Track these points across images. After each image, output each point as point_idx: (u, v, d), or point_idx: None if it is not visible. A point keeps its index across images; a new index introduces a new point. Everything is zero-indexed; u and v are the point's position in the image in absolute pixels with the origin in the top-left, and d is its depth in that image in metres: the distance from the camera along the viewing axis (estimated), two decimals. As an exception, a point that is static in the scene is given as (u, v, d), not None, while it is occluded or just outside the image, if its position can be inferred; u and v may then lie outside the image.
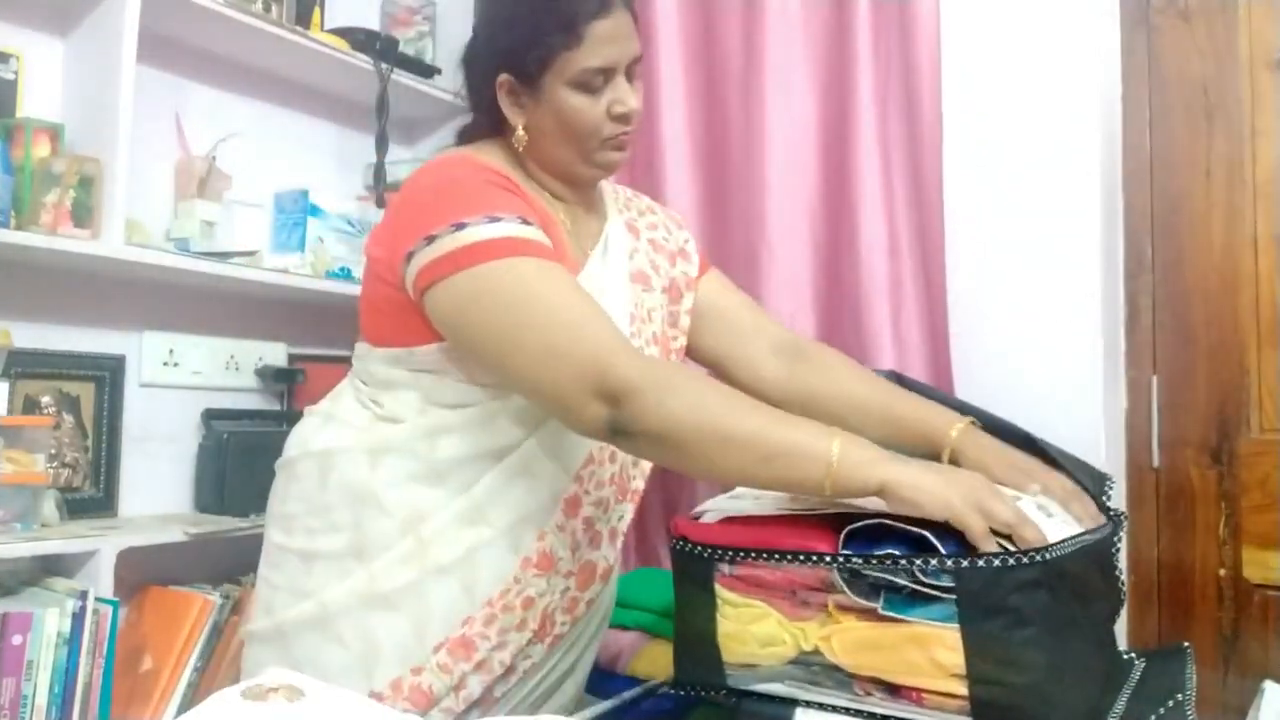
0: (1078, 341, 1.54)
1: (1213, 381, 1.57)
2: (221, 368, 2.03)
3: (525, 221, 1.07)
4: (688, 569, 1.07)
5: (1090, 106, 1.56)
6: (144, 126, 1.78)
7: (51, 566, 1.63)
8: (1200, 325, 1.59)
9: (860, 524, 0.95)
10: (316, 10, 2.03)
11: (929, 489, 0.89)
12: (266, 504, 1.25)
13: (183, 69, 1.97)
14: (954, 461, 1.15)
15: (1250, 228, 1.56)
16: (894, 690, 0.94)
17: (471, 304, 1.04)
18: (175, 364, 1.96)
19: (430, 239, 1.05)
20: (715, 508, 1.11)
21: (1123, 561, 1.50)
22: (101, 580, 1.57)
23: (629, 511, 1.24)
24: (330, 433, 1.18)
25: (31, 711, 1.46)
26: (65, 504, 1.69)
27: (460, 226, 1.04)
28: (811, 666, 0.98)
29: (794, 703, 0.99)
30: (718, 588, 1.03)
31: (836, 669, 0.96)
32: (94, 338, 1.86)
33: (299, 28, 1.96)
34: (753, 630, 1.01)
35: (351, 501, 1.13)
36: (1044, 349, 1.55)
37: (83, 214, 1.62)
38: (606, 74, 1.12)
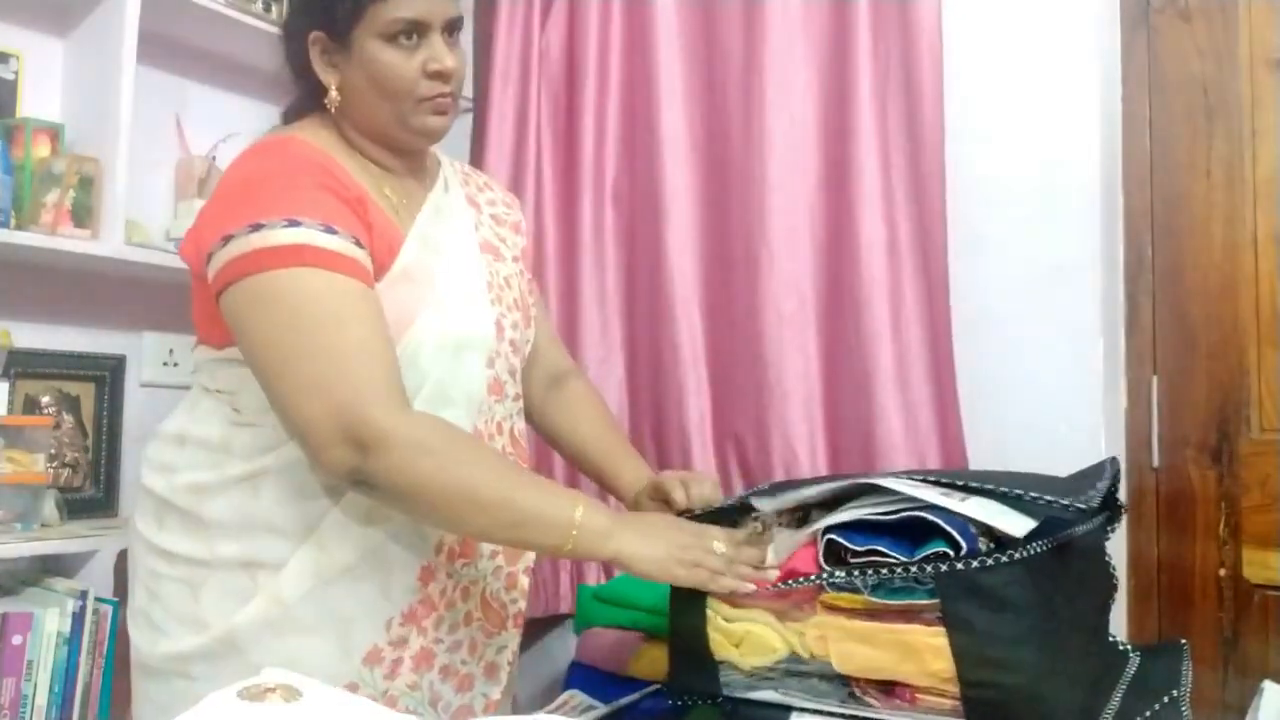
0: (1078, 341, 1.54)
1: (1213, 381, 1.57)
2: (222, 368, 2.03)
3: (329, 229, 1.00)
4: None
5: (1090, 107, 1.56)
6: (144, 126, 1.78)
7: (51, 566, 1.63)
8: (1200, 325, 1.58)
9: (839, 521, 0.97)
10: (316, 10, 2.03)
11: (652, 559, 1.01)
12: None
13: (183, 69, 1.97)
14: (634, 507, 1.25)
15: (1250, 228, 1.55)
16: (887, 691, 0.94)
17: (250, 312, 0.99)
18: (175, 364, 1.96)
19: (227, 239, 1.00)
20: None
21: (1121, 558, 1.51)
22: (101, 580, 1.58)
23: None
24: (190, 458, 1.10)
25: (31, 711, 1.47)
26: (65, 504, 1.69)
27: (256, 228, 0.98)
28: (805, 670, 0.98)
29: (789, 707, 1.00)
30: (709, 595, 1.04)
31: (830, 671, 0.96)
32: (94, 338, 1.86)
33: (299, 28, 1.95)
34: (745, 636, 1.01)
35: (239, 528, 1.06)
36: (1044, 349, 1.55)
37: (83, 214, 1.62)
38: (420, 29, 1.07)
